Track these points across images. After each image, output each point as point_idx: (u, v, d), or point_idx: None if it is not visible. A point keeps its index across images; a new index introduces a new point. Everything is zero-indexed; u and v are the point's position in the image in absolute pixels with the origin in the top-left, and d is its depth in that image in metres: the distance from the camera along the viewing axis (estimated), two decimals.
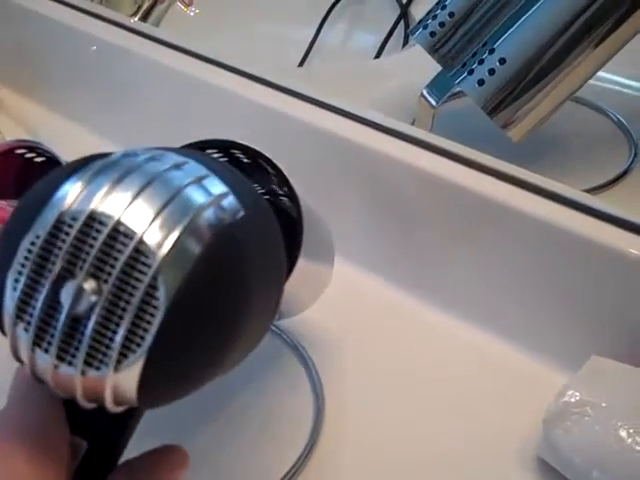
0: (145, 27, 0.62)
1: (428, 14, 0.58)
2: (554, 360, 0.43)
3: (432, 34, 0.57)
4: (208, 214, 0.26)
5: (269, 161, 0.35)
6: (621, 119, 0.59)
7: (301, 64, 0.79)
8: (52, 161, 0.37)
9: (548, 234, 0.41)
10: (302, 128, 0.49)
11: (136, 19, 0.71)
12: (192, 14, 0.80)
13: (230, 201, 0.27)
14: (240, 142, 0.35)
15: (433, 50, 0.58)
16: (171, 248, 0.24)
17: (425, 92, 0.56)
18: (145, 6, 0.71)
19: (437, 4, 0.58)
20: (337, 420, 0.42)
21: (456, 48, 0.57)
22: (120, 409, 0.26)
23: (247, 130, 0.46)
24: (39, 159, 0.38)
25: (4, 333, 0.26)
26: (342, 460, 0.40)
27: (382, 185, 0.47)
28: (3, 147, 0.36)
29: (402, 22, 0.79)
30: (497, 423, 0.41)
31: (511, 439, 0.40)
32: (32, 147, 0.37)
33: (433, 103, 0.54)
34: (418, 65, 0.62)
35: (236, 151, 0.35)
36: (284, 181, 0.35)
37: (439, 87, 0.56)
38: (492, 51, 0.47)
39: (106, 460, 0.29)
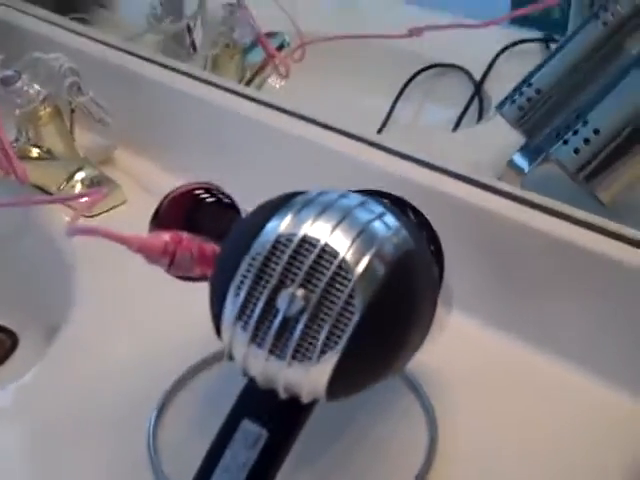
0: (250, 91, 0.72)
1: (515, 90, 0.67)
2: None
3: (520, 108, 0.66)
4: (389, 244, 0.34)
5: (413, 209, 0.43)
6: None
7: (378, 134, 0.88)
8: (221, 202, 0.46)
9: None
10: (410, 187, 0.57)
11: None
12: (278, 86, 0.90)
13: (403, 234, 0.35)
14: (385, 191, 0.43)
15: (519, 123, 0.67)
16: (365, 268, 0.33)
17: (515, 159, 0.65)
18: (247, 77, 0.82)
19: (523, 81, 0.67)
20: (449, 450, 0.48)
21: (541, 121, 0.66)
22: (308, 400, 0.34)
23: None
24: (210, 199, 0.47)
25: (219, 335, 0.35)
26: None
27: (488, 240, 0.55)
28: (187, 187, 0.45)
29: (476, 98, 0.88)
30: (602, 466, 0.47)
31: (616, 474, 0.46)
32: (208, 189, 0.46)
33: (524, 169, 0.63)
34: (496, 138, 0.71)
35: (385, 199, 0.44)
36: (426, 226, 0.43)
37: (526, 156, 0.65)
38: (585, 123, 0.56)
39: (282, 449, 0.36)
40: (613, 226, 0.52)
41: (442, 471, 0.47)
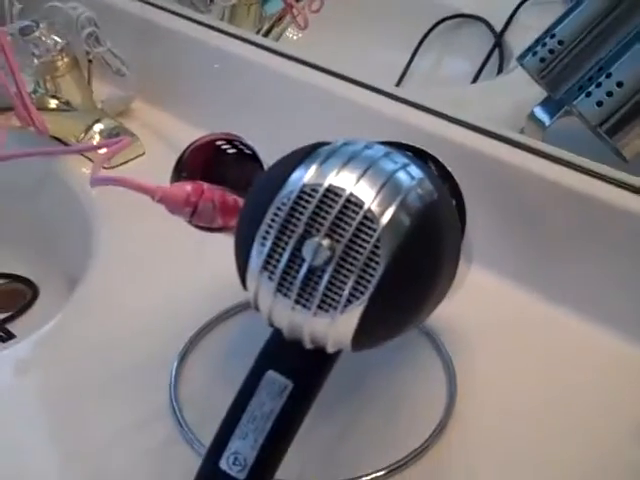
0: (268, 42, 0.71)
1: (537, 41, 0.66)
2: None
3: (542, 60, 0.65)
4: (414, 194, 0.34)
5: (435, 160, 0.43)
6: None
7: (397, 86, 0.87)
8: (243, 153, 0.46)
9: None
10: (430, 139, 0.57)
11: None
12: (296, 38, 0.89)
13: (427, 185, 0.35)
14: (407, 142, 0.43)
15: (541, 75, 0.66)
16: (390, 218, 0.33)
17: (536, 112, 0.64)
18: (265, 28, 0.81)
19: (546, 32, 0.66)
20: (468, 400, 0.48)
21: (563, 74, 0.65)
22: (333, 350, 0.35)
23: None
24: (231, 150, 0.47)
25: (244, 285, 0.35)
26: (473, 437, 0.47)
27: (509, 193, 0.55)
28: (209, 138, 0.45)
29: (496, 50, 0.87)
30: (617, 412, 0.47)
31: (634, 425, 0.46)
32: (230, 140, 0.46)
33: (545, 122, 0.63)
34: (517, 90, 0.71)
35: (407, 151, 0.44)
36: (448, 178, 0.43)
37: (548, 109, 0.65)
38: (609, 75, 0.55)
39: (307, 399, 0.36)
40: (635, 180, 0.51)
41: (461, 423, 0.47)
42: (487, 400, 0.49)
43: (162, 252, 0.61)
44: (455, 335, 0.53)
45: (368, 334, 0.34)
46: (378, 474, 0.44)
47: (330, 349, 0.34)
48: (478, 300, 0.52)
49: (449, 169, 0.42)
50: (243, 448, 0.35)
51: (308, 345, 0.34)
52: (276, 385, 0.35)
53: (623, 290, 0.52)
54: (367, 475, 0.44)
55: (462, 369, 0.50)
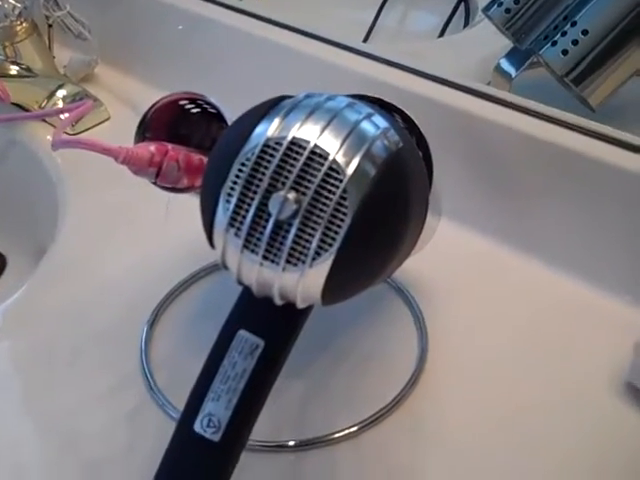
0: (231, 1, 0.70)
1: None
2: (637, 301, 0.50)
3: (507, 10, 0.64)
4: (379, 143, 0.33)
5: (402, 113, 0.42)
6: None
7: (364, 42, 0.86)
8: (207, 112, 0.45)
9: (631, 182, 0.48)
10: (397, 94, 0.56)
11: None
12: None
13: (392, 134, 0.34)
14: (373, 95, 0.42)
15: (506, 26, 0.65)
16: (356, 168, 0.32)
17: (502, 64, 0.63)
18: None
19: None
20: (440, 353, 0.48)
21: (529, 24, 0.64)
22: (304, 305, 0.34)
23: None
24: (195, 110, 0.45)
25: (211, 244, 0.34)
26: (445, 389, 0.47)
27: (477, 146, 0.55)
28: (172, 97, 0.44)
29: (462, 4, 0.86)
30: (587, 357, 0.48)
31: (600, 369, 0.47)
32: (194, 99, 0.44)
33: (511, 74, 0.62)
34: (484, 43, 0.70)
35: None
36: (415, 130, 0.42)
37: (514, 60, 0.64)
38: (574, 24, 0.55)
39: (279, 357, 0.36)
40: (602, 129, 0.51)
41: (433, 376, 0.47)
42: (459, 352, 0.49)
43: (130, 217, 0.60)
44: (425, 289, 0.53)
45: (338, 287, 0.33)
46: (351, 429, 0.44)
47: (300, 304, 0.34)
48: (447, 253, 0.53)
49: (415, 121, 0.41)
50: (217, 409, 0.34)
51: (278, 301, 0.34)
52: (248, 344, 0.35)
53: (593, 240, 0.52)
54: (340, 431, 0.44)
55: (433, 322, 0.50)
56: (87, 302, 0.53)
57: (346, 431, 0.44)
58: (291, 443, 0.43)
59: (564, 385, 0.46)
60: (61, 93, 0.70)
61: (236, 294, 0.36)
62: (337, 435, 0.43)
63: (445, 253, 0.52)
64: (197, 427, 0.34)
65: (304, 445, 0.43)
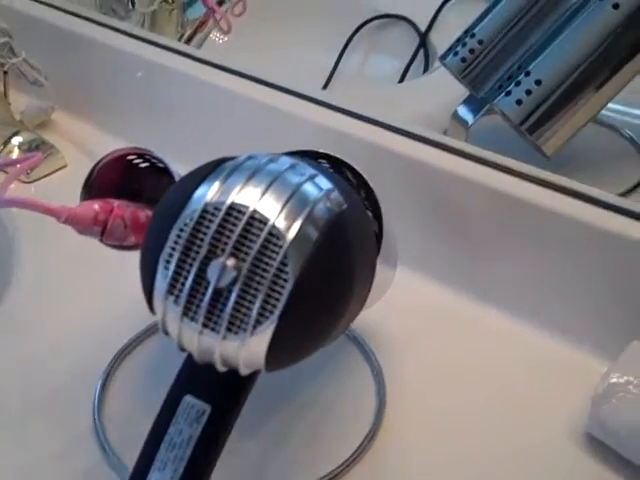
0: (190, 49, 0.70)
1: (458, 41, 0.65)
2: (594, 350, 0.50)
3: (463, 60, 0.65)
4: (321, 206, 0.33)
5: (351, 169, 0.42)
6: (633, 136, 0.66)
7: (324, 88, 0.87)
8: (155, 167, 0.44)
9: (584, 232, 0.48)
10: (354, 144, 0.56)
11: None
12: (221, 42, 0.87)
13: (336, 195, 0.34)
14: (323, 151, 0.42)
15: (462, 75, 0.66)
16: (297, 233, 0.31)
17: (459, 111, 0.63)
18: (187, 33, 0.79)
19: (466, 32, 0.65)
20: (398, 407, 0.47)
21: (484, 73, 0.65)
22: (247, 372, 0.33)
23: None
24: (143, 164, 0.45)
25: (152, 309, 0.33)
26: (404, 443, 0.46)
27: (434, 196, 0.54)
28: (118, 153, 0.43)
29: (422, 49, 0.87)
30: (546, 408, 0.48)
31: (559, 420, 0.46)
32: (142, 154, 0.44)
33: (468, 122, 0.62)
34: (443, 89, 0.70)
35: (322, 160, 0.43)
36: (364, 185, 0.42)
37: (471, 108, 0.64)
38: (528, 73, 0.55)
39: (227, 422, 0.35)
40: (557, 179, 0.51)
41: (391, 431, 0.47)
42: (417, 406, 0.48)
43: (83, 269, 0.59)
44: (383, 340, 0.52)
45: (281, 354, 0.33)
46: None
47: (243, 371, 0.33)
48: (405, 303, 0.52)
49: (364, 176, 0.41)
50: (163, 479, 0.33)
51: (221, 368, 0.33)
52: (194, 410, 0.34)
53: (549, 288, 0.53)
54: None
55: (391, 375, 0.50)
56: (38, 360, 0.51)
57: None
58: None
59: (525, 436, 0.46)
60: (17, 140, 0.69)
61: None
62: None
63: (403, 303, 0.51)
64: None
65: None
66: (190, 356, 0.34)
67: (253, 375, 0.34)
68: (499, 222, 0.53)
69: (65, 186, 0.64)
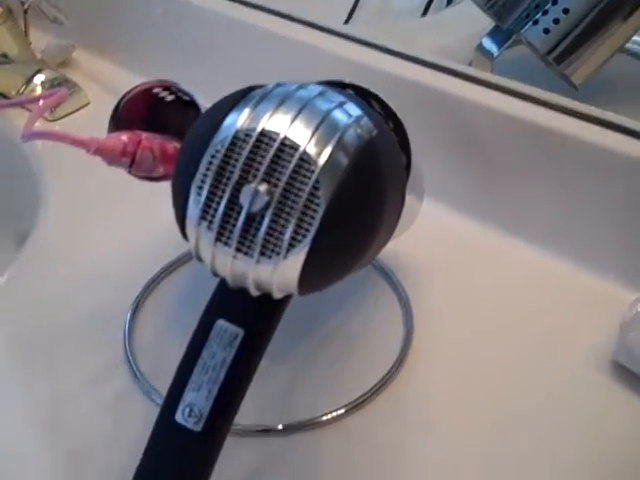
0: None
1: None
2: (620, 279, 0.51)
3: None
4: (351, 132, 0.33)
5: (378, 99, 0.42)
6: None
7: (346, 22, 0.85)
8: (180, 100, 0.45)
9: (611, 161, 0.48)
10: (378, 77, 0.56)
11: None
12: None
13: (366, 122, 0.34)
14: (350, 82, 0.42)
15: (488, 5, 0.65)
16: (327, 159, 0.32)
17: (484, 43, 0.63)
18: None
19: None
20: (425, 336, 0.48)
21: (510, 3, 0.64)
22: (280, 295, 0.34)
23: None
24: (169, 98, 0.45)
25: (184, 236, 0.34)
26: (431, 371, 0.47)
27: (459, 127, 0.54)
28: (145, 86, 0.43)
29: None
30: (573, 337, 0.48)
31: (586, 349, 0.47)
32: (168, 87, 0.44)
33: (493, 53, 0.61)
34: (466, 22, 0.69)
35: (349, 90, 0.43)
36: (392, 116, 0.42)
37: (496, 39, 0.64)
38: (555, 2, 0.54)
39: (259, 346, 0.35)
40: (584, 108, 0.51)
41: (419, 357, 0.47)
42: (444, 333, 0.49)
43: (111, 203, 0.59)
44: (410, 270, 0.53)
45: (313, 277, 0.33)
46: (338, 412, 0.44)
47: (276, 295, 0.34)
48: (431, 234, 0.52)
49: (391, 106, 0.41)
50: (197, 400, 0.34)
51: (254, 292, 0.34)
52: (227, 334, 0.34)
53: (575, 219, 0.53)
54: (327, 414, 0.44)
55: (418, 304, 0.50)
56: (70, 290, 0.52)
57: (333, 414, 0.44)
58: (279, 427, 0.43)
59: (551, 365, 0.47)
60: (39, 79, 0.69)
61: (216, 280, 0.36)
62: (324, 419, 0.44)
63: (428, 234, 0.52)
64: (179, 417, 0.34)
65: (291, 429, 0.43)
66: (223, 281, 0.35)
67: (285, 299, 0.35)
68: (525, 152, 0.52)
69: (89, 123, 0.65)
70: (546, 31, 0.55)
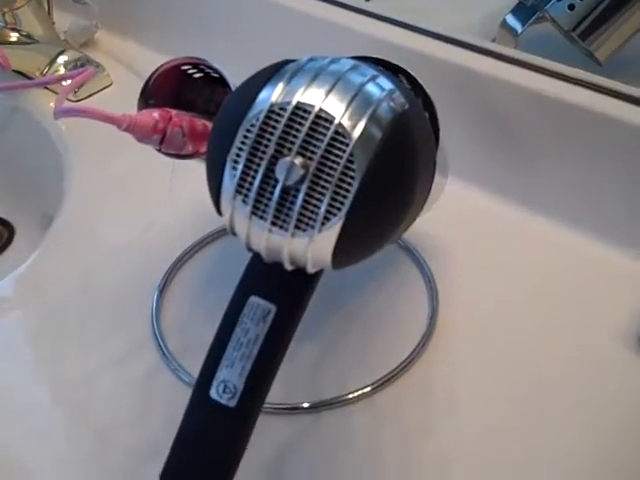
0: None
1: None
2: None
3: None
4: (385, 105, 0.33)
5: (407, 74, 0.42)
6: None
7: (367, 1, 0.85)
8: (209, 77, 0.45)
9: (637, 137, 0.48)
10: (401, 53, 0.55)
11: None
12: None
13: (398, 95, 0.34)
14: (380, 57, 0.42)
15: None
16: (362, 132, 0.32)
17: (508, 20, 0.63)
18: None
19: None
20: (450, 314, 0.48)
21: None
22: (314, 270, 0.34)
23: None
24: (198, 75, 0.45)
25: (219, 211, 0.34)
26: (457, 350, 0.47)
27: (483, 104, 0.54)
28: (173, 63, 0.43)
29: None
30: (597, 312, 0.48)
31: (611, 324, 0.47)
32: (196, 64, 0.44)
33: (517, 30, 0.61)
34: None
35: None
36: (420, 91, 0.42)
37: (519, 16, 0.63)
38: None
39: (291, 322, 0.36)
40: (609, 83, 0.50)
41: (444, 335, 0.47)
42: (469, 310, 0.49)
43: (135, 183, 0.60)
44: (434, 248, 0.53)
45: (348, 250, 0.33)
46: (365, 390, 0.44)
47: (311, 269, 0.34)
48: (454, 212, 0.52)
49: (420, 81, 0.41)
50: (231, 376, 0.34)
51: (288, 266, 0.34)
52: (259, 310, 0.34)
53: (598, 195, 0.52)
54: (354, 392, 0.44)
55: (442, 282, 0.50)
56: (96, 269, 0.53)
57: (360, 392, 0.44)
58: (305, 405, 0.43)
59: (576, 340, 0.47)
60: (62, 59, 0.69)
61: (243, 258, 0.36)
62: (351, 396, 0.44)
63: (452, 212, 0.51)
64: (213, 394, 0.34)
65: (318, 406, 0.44)
66: (256, 256, 0.35)
67: (317, 275, 0.35)
68: (550, 129, 0.52)
69: (112, 103, 0.64)
70: (571, 7, 0.54)
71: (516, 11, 0.63)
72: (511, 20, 0.63)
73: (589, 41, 0.55)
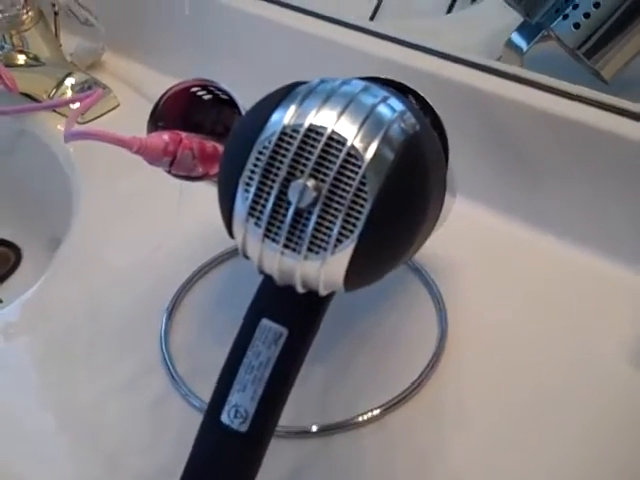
0: None
1: None
2: None
3: None
4: (396, 127, 0.33)
5: (415, 94, 0.42)
6: None
7: (371, 20, 0.85)
8: (219, 99, 0.45)
9: None
10: (408, 73, 0.55)
11: None
12: None
13: (409, 116, 0.34)
14: (388, 78, 0.42)
15: (517, 1, 0.64)
16: (374, 153, 0.32)
17: (513, 38, 0.63)
18: None
19: None
20: (459, 335, 0.48)
21: None
22: (326, 292, 0.34)
23: None
24: (207, 96, 0.45)
25: (231, 234, 0.34)
26: (466, 370, 0.46)
27: (489, 123, 0.54)
28: (182, 85, 0.43)
29: None
30: (603, 329, 0.48)
31: (615, 340, 0.47)
32: (206, 85, 0.44)
33: (523, 48, 0.61)
34: (492, 19, 0.69)
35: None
36: (429, 111, 0.42)
37: (525, 35, 0.63)
38: None
39: (303, 345, 0.35)
40: (615, 101, 0.50)
41: (454, 357, 0.47)
42: (478, 332, 0.48)
43: (143, 205, 0.60)
44: (443, 269, 0.53)
45: (360, 272, 0.33)
46: (374, 413, 0.44)
47: (323, 291, 0.33)
48: (462, 231, 0.52)
49: (429, 102, 0.41)
50: (243, 400, 0.34)
51: (300, 289, 0.33)
52: (271, 333, 0.34)
53: (603, 212, 0.52)
54: (363, 414, 0.43)
55: (452, 303, 0.50)
56: (104, 293, 0.53)
57: (369, 414, 0.44)
58: (314, 428, 0.43)
59: (588, 358, 0.46)
60: (69, 82, 0.69)
61: (252, 280, 0.36)
62: (360, 419, 0.43)
63: (460, 232, 0.51)
64: (224, 418, 0.34)
65: (328, 430, 0.43)
66: (267, 280, 0.35)
67: (328, 297, 0.35)
68: (556, 147, 0.52)
69: (120, 125, 0.64)
70: (576, 25, 0.54)
71: (521, 30, 0.63)
72: (516, 39, 0.63)
73: (594, 59, 0.55)
